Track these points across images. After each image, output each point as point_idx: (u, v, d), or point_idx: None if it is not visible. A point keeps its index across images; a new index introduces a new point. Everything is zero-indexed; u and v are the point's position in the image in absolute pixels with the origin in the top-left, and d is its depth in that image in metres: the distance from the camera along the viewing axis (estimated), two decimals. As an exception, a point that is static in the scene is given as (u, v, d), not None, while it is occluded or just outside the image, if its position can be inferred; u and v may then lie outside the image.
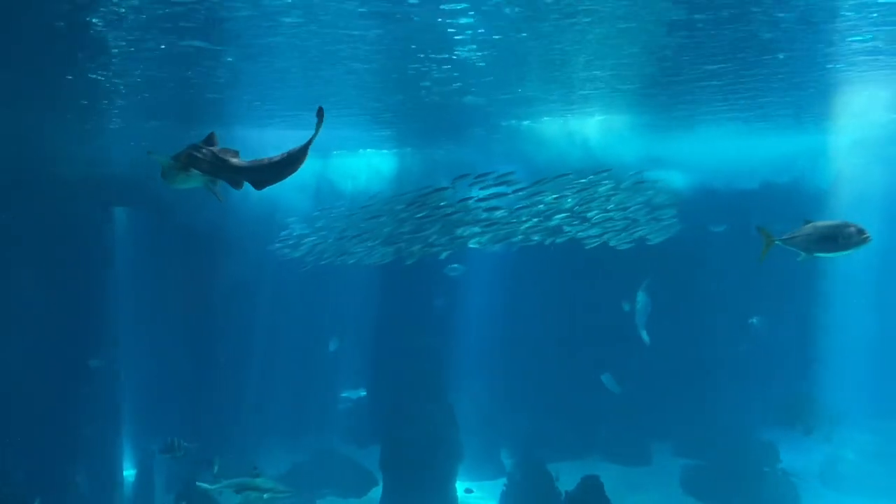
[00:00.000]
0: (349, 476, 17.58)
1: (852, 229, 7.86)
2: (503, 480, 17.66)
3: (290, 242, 18.15)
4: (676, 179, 22.34)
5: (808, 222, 8.13)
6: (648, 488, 18.26)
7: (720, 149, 20.51)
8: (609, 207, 15.55)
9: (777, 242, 8.24)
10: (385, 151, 21.63)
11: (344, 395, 23.40)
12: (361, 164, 21.79)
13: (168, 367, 19.28)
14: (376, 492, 17.19)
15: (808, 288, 21.06)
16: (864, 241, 7.85)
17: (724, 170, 21.57)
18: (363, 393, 23.16)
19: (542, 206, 15.14)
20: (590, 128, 17.64)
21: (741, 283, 21.29)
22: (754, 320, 22.00)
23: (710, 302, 21.41)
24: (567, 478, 14.50)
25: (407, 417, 16.44)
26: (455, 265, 18.82)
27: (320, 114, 5.56)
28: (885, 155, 20.90)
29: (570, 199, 15.40)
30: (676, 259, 20.19)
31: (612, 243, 16.05)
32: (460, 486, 17.05)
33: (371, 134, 18.54)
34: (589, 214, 15.53)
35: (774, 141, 20.05)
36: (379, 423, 17.76)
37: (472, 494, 17.80)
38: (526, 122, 17.63)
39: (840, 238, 7.90)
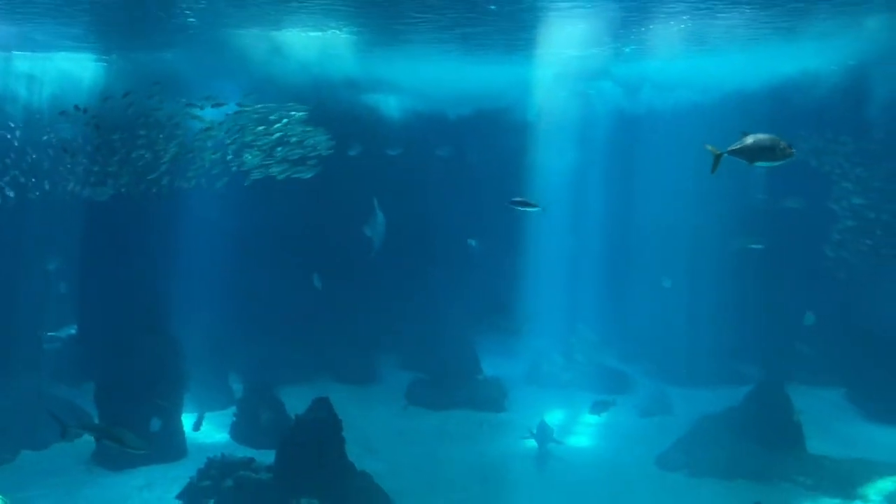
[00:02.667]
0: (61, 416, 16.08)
1: (784, 143, 8.53)
2: (233, 409, 17.49)
3: None
4: (393, 102, 22.97)
5: (745, 134, 8.68)
6: (376, 403, 19.20)
7: (439, 75, 21.36)
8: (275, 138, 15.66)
9: (725, 154, 8.75)
10: (87, 56, 19.25)
11: (51, 334, 21.32)
12: (54, 69, 19.22)
13: None
14: (93, 433, 16.03)
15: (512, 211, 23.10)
16: (792, 154, 8.54)
17: (442, 96, 22.61)
18: (73, 331, 21.30)
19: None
20: (300, 43, 17.21)
21: (459, 205, 22.81)
22: (472, 242, 23.72)
23: (430, 222, 22.64)
24: (298, 401, 14.65)
25: (123, 351, 15.43)
26: (102, 188, 17.30)
27: None
28: (581, 89, 23.31)
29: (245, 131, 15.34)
30: (401, 182, 20.99)
31: (279, 176, 16.11)
32: (187, 419, 16.51)
33: (62, 32, 16.36)
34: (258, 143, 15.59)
35: (490, 69, 21.27)
36: (93, 359, 16.46)
37: (202, 425, 17.29)
38: (234, 33, 16.70)
39: (777, 150, 8.52)
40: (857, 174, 18.40)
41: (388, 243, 20.58)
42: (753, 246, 19.18)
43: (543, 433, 15.82)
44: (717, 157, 8.79)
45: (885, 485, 13.15)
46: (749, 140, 8.63)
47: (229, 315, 21.42)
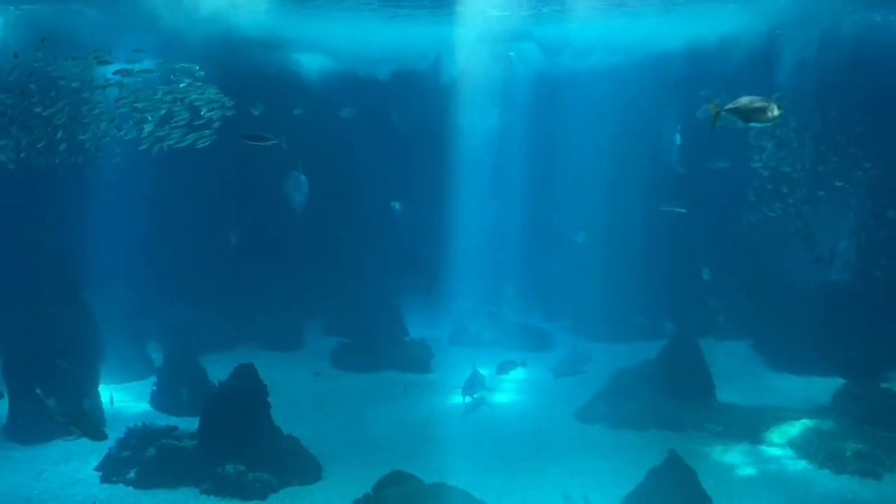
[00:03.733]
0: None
1: (775, 104, 8.95)
2: (153, 379, 17.08)
3: None
4: (312, 61, 22.32)
5: (740, 97, 9.03)
6: (301, 368, 19.13)
7: (359, 34, 20.98)
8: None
9: (722, 113, 9.02)
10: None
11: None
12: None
13: None
14: (3, 405, 15.44)
15: (435, 173, 23.09)
16: (781, 115, 9.00)
17: (363, 55, 22.20)
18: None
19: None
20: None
21: (383, 167, 22.67)
22: (396, 205, 23.68)
23: (353, 187, 22.45)
24: (221, 369, 14.42)
25: (32, 321, 14.79)
26: None
27: None
28: (503, 51, 23.33)
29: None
30: (318, 146, 20.64)
31: (177, 145, 15.10)
32: (104, 391, 16.01)
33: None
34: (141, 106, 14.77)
35: (412, 29, 21.02)
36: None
37: (120, 396, 16.84)
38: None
39: (768, 111, 8.91)
40: (768, 134, 19.04)
41: (312, 207, 20.31)
42: (678, 210, 19.71)
43: (476, 383, 16.12)
44: (716, 115, 9.10)
45: (788, 429, 13.98)
46: (742, 102, 9.00)
47: (147, 284, 20.85)
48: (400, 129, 23.54)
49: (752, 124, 9.26)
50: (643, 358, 16.51)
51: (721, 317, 21.30)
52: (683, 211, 19.22)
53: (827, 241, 18.71)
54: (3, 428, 14.72)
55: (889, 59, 19.27)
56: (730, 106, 9.03)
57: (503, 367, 16.86)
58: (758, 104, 8.95)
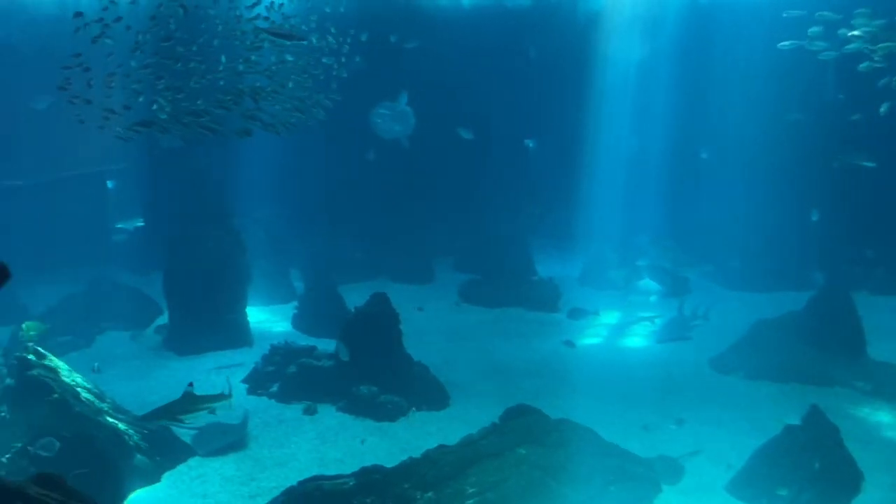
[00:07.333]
0: (130, 306, 16.93)
1: None
2: (294, 303, 18.01)
3: None
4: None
5: None
6: (432, 300, 19.58)
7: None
8: None
9: None
10: None
11: (119, 225, 22.17)
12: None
13: None
14: (162, 320, 16.84)
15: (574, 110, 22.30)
16: None
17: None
18: (140, 223, 22.04)
19: None
20: None
21: (516, 106, 22.11)
22: (529, 143, 23.33)
23: (486, 122, 22.20)
24: (357, 296, 14.98)
25: (189, 243, 15.90)
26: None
27: None
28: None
29: None
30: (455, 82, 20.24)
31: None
32: (251, 311, 17.08)
33: None
34: None
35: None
36: (159, 250, 17.05)
37: (265, 317, 17.95)
38: None
39: None
40: None
41: (445, 151, 20.27)
42: (864, 163, 17.92)
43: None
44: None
45: (948, 393, 12.90)
46: None
47: (292, 211, 21.82)
48: (538, 63, 22.89)
49: None
50: (786, 309, 15.58)
51: (880, 269, 19.69)
52: (872, 165, 17.40)
53: None
54: (163, 341, 16.09)
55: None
56: None
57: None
58: None
